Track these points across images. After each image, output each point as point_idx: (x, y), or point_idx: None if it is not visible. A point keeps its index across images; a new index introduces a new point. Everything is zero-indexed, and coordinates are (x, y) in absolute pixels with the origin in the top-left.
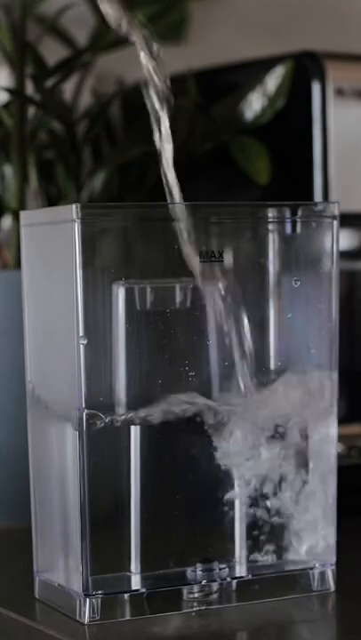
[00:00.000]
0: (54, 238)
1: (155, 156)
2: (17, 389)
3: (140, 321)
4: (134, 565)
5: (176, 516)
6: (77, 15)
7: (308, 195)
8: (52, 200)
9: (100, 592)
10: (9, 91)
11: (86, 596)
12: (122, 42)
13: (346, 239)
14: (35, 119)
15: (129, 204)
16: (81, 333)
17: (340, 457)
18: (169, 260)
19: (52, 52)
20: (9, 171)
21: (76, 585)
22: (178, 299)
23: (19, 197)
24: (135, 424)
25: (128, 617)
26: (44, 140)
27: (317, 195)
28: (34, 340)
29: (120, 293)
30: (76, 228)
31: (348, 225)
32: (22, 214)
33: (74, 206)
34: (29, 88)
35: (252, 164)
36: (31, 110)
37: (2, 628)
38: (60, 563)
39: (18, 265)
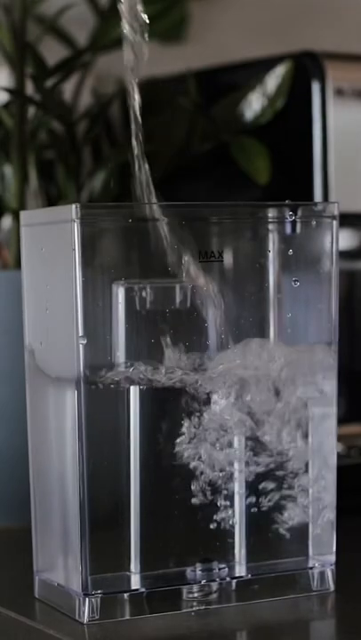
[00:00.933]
0: (54, 238)
1: (155, 156)
2: (17, 389)
3: (140, 321)
4: (134, 565)
5: (176, 516)
6: (77, 15)
7: (308, 195)
8: (52, 200)
9: (99, 592)
10: (9, 91)
11: (86, 595)
12: (122, 42)
13: (346, 239)
14: (35, 119)
15: (129, 204)
16: (81, 333)
17: (340, 457)
18: (169, 259)
19: (52, 52)
20: (9, 171)
21: (76, 584)
22: (178, 299)
23: (19, 197)
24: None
25: (127, 616)
26: (44, 139)
27: (317, 195)
28: (34, 340)
29: (120, 293)
30: (76, 227)
31: (348, 225)
32: (22, 214)
33: (74, 206)
34: (29, 88)
35: (252, 164)
36: (31, 110)
37: (2, 628)
38: (60, 562)
39: (18, 265)
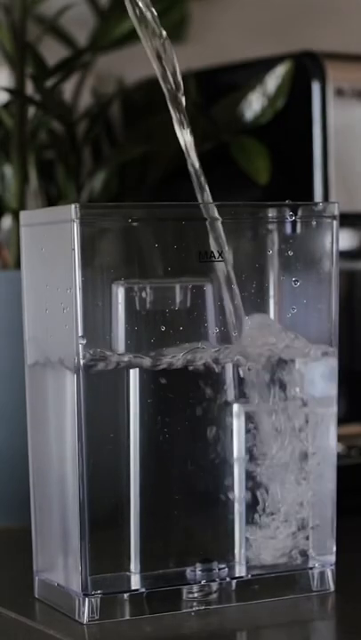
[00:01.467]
0: (54, 238)
1: (155, 156)
2: (17, 390)
3: (140, 321)
4: (134, 565)
5: (176, 516)
6: (77, 15)
7: (308, 195)
8: (52, 200)
9: (99, 592)
10: (9, 91)
11: (85, 595)
12: (121, 42)
13: (346, 239)
14: (35, 119)
15: (129, 204)
16: (81, 333)
17: (340, 457)
18: (169, 260)
19: (52, 52)
20: (9, 171)
21: (76, 585)
22: (178, 299)
23: (19, 197)
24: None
25: (127, 617)
26: (44, 139)
27: (317, 195)
28: (33, 340)
29: (120, 293)
30: (76, 227)
31: (348, 225)
32: (22, 214)
33: (73, 206)
34: (29, 88)
35: (252, 163)
36: (31, 110)
37: (2, 628)
38: (60, 562)
39: (18, 265)
